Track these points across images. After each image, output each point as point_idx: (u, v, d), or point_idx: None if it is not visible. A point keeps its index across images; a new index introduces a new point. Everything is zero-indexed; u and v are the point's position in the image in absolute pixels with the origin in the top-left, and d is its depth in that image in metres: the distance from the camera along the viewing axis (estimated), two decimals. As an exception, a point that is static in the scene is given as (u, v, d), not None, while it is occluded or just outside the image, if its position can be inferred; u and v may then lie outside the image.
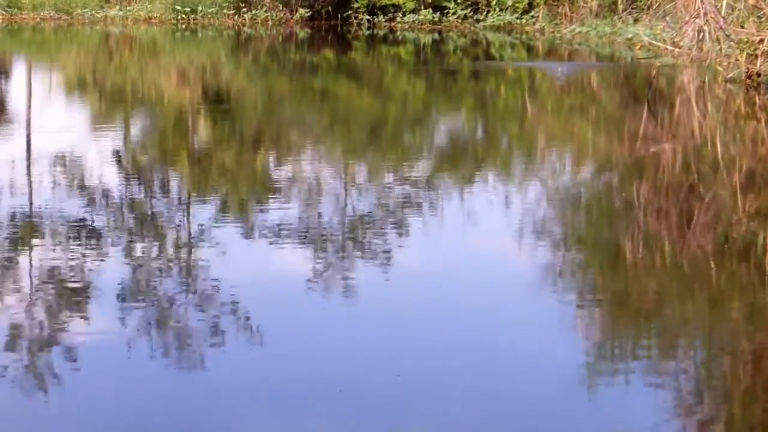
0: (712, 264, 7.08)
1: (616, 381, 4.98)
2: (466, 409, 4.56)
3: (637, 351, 5.49)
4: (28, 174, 10.10)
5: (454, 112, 16.37)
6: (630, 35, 24.95)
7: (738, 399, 4.85)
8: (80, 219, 7.96)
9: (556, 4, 31.65)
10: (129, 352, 5.19)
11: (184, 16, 33.31)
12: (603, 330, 5.84)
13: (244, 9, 33.59)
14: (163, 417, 4.52)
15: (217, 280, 6.38)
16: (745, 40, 16.83)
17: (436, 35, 31.29)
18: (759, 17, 17.34)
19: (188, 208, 8.56)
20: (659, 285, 6.66)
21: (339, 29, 32.76)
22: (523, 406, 4.66)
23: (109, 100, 17.10)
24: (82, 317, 5.72)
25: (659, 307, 6.17)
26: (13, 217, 8.01)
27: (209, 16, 33.45)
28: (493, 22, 32.60)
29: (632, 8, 27.19)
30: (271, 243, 7.42)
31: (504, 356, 5.28)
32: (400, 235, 7.71)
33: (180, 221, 8.10)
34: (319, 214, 8.38)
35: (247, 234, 7.72)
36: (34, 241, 7.33)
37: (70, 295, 6.07)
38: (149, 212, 8.43)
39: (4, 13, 34.15)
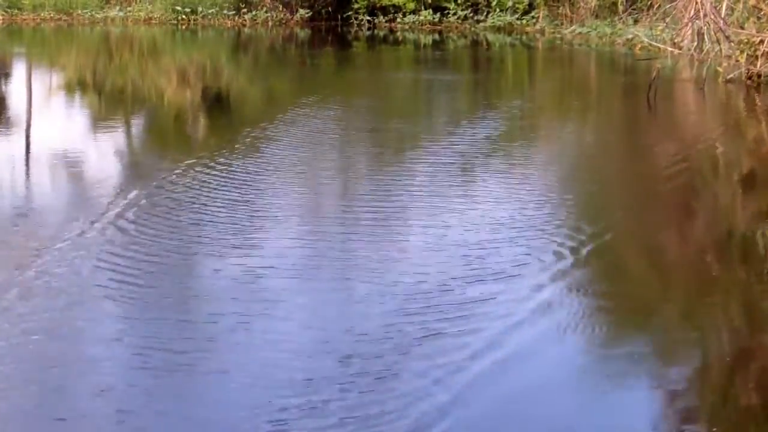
0: (711, 264, 7.08)
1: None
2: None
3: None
4: (27, 173, 10.13)
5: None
6: (630, 36, 24.95)
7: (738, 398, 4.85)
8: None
9: (556, 4, 31.64)
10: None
11: (184, 16, 33.28)
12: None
13: (244, 9, 33.57)
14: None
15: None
16: (745, 41, 16.82)
17: (436, 36, 31.28)
18: (759, 18, 17.33)
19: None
20: (658, 279, 6.66)
21: (339, 30, 32.74)
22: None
23: (109, 100, 17.08)
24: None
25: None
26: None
27: (209, 16, 33.43)
28: (494, 22, 32.59)
29: (632, 9, 27.20)
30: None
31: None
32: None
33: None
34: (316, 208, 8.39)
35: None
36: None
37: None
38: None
39: (4, 13, 34.10)
